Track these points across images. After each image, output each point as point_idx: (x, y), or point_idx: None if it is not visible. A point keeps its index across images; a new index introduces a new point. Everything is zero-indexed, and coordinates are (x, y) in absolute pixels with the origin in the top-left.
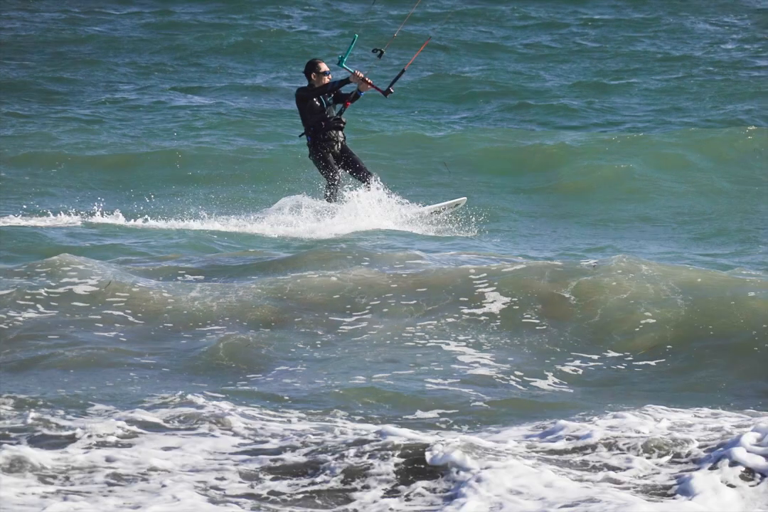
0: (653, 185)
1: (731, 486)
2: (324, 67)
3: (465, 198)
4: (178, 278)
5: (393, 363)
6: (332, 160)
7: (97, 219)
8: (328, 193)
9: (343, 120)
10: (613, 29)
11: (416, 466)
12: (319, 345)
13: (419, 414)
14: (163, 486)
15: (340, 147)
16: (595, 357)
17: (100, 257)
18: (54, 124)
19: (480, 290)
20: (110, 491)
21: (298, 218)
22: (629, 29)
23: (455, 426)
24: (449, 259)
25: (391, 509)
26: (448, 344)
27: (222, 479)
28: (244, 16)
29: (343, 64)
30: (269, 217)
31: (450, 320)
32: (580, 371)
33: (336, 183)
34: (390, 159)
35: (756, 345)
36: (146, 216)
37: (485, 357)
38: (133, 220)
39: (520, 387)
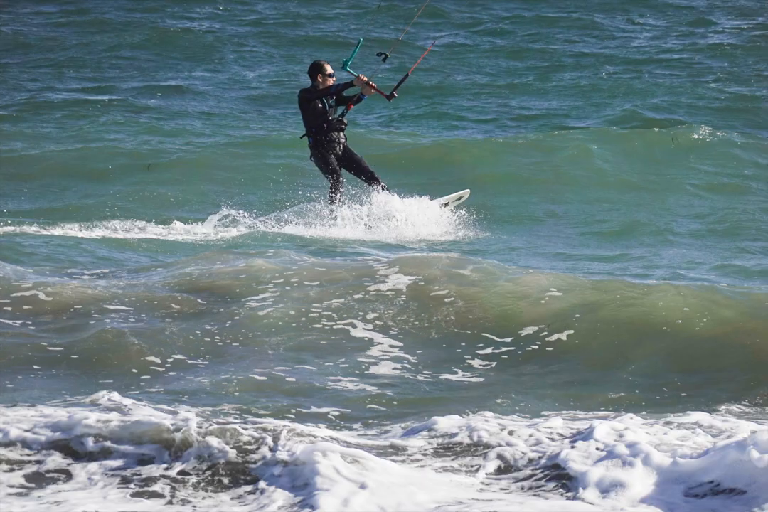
0: (565, 180)
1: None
2: (329, 69)
3: (468, 190)
4: (84, 273)
5: (296, 353)
6: (334, 161)
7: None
8: (333, 195)
9: (345, 122)
10: (525, 27)
11: (275, 458)
12: (226, 329)
13: (314, 409)
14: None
15: (341, 148)
16: (507, 339)
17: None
18: None
19: (382, 272)
20: (21, 486)
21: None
22: (541, 26)
23: (345, 423)
24: (350, 251)
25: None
26: (355, 327)
27: (129, 467)
28: (156, 15)
29: (347, 68)
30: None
31: (357, 297)
32: (486, 358)
33: (339, 184)
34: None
35: (668, 326)
36: (57, 220)
37: (393, 346)
38: (41, 225)
39: (426, 380)
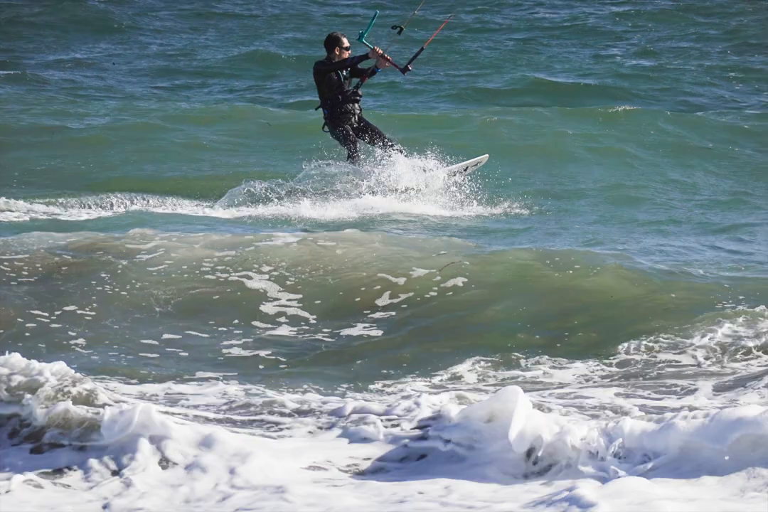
0: (471, 151)
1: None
2: (347, 42)
3: (487, 155)
4: None
5: (187, 309)
6: (350, 130)
7: None
8: (352, 163)
9: (360, 93)
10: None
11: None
12: (116, 283)
13: (199, 374)
14: None
15: (356, 119)
16: (401, 281)
17: None
18: None
19: (268, 232)
20: None
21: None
22: None
23: (227, 388)
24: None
25: None
26: (250, 278)
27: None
28: None
29: (363, 40)
30: None
31: (248, 250)
32: (384, 308)
33: (357, 153)
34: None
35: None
36: None
37: (291, 299)
38: None
39: (324, 339)
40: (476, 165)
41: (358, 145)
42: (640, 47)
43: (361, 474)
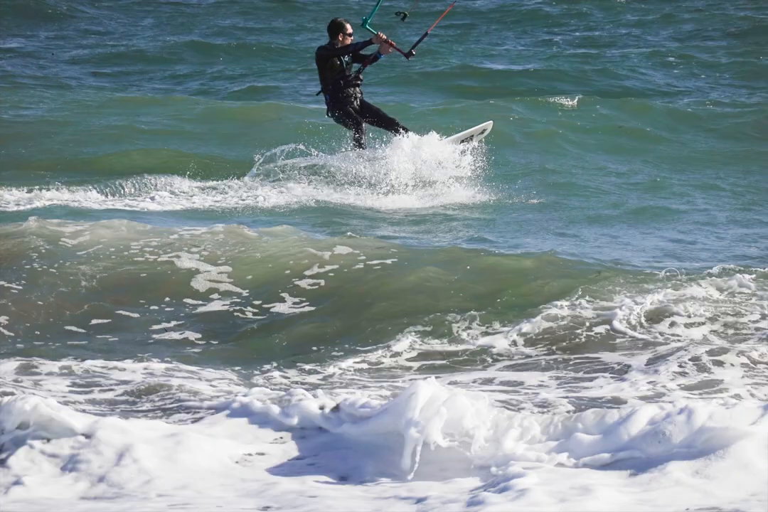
0: None
1: None
2: (350, 28)
3: (491, 122)
4: None
5: (115, 292)
6: (353, 112)
7: None
8: (358, 141)
9: (361, 78)
10: None
11: None
12: (43, 263)
13: (124, 354)
14: None
15: (358, 103)
16: (326, 255)
17: None
18: None
19: (192, 224)
20: None
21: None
22: None
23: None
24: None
25: None
26: (179, 258)
27: None
28: None
29: (367, 26)
30: None
31: (173, 237)
32: (312, 277)
33: (363, 132)
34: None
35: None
36: None
37: (221, 273)
38: None
39: (254, 317)
40: (482, 132)
41: (363, 124)
42: (579, 33)
43: (269, 461)
